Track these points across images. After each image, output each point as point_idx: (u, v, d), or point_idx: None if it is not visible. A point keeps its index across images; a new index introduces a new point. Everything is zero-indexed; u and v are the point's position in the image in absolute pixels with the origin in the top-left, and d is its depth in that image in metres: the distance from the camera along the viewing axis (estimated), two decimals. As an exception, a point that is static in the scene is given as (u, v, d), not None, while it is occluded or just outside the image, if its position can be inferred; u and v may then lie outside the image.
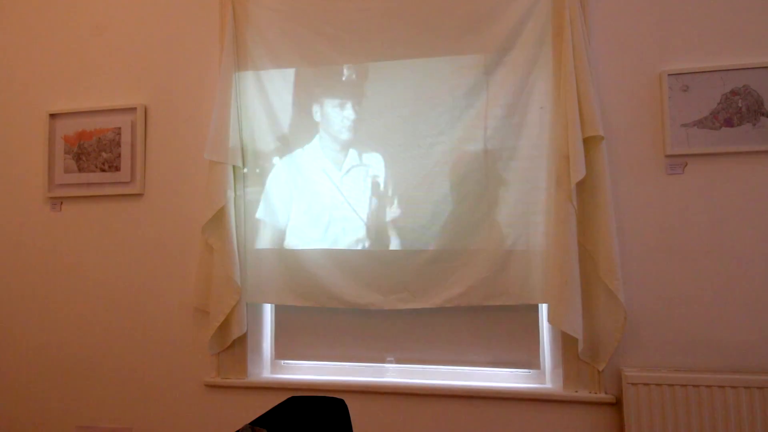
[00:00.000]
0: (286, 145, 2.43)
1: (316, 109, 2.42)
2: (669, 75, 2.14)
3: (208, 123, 2.48)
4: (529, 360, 2.31)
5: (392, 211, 2.32)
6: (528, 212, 2.22)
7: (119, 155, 2.62)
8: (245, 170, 2.46)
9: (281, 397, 2.40)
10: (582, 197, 2.15)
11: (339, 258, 2.36)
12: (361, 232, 2.35)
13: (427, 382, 2.32)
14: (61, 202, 2.71)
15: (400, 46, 2.35)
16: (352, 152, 2.38)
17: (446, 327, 2.36)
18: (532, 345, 2.31)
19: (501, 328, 2.32)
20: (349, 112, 2.39)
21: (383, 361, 2.41)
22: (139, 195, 2.62)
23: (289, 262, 2.40)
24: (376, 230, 2.33)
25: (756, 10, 2.12)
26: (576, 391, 2.17)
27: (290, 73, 2.45)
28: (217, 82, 2.47)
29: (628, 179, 2.18)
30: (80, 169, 2.66)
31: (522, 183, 2.23)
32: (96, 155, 2.64)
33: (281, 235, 2.41)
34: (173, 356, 2.54)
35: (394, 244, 2.31)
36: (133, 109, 2.62)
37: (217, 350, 2.44)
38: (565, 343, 2.19)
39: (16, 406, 2.71)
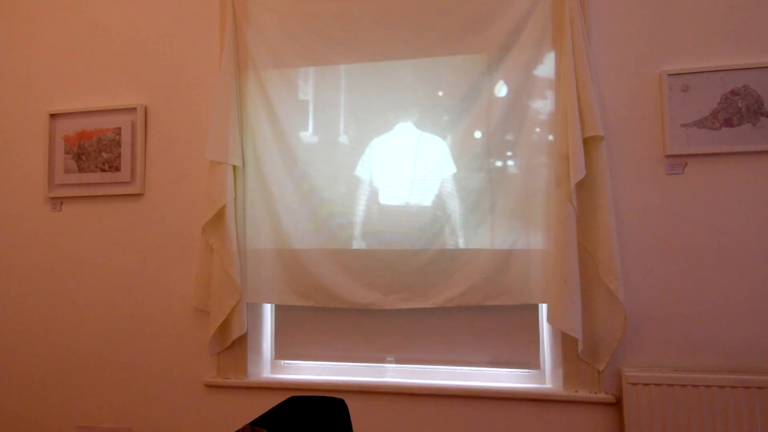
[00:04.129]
0: (286, 144, 2.42)
1: (316, 109, 2.42)
2: (669, 75, 2.14)
3: (208, 123, 2.49)
4: (529, 360, 2.31)
5: (393, 211, 2.32)
6: (528, 212, 2.22)
7: (119, 155, 2.62)
8: (245, 170, 2.46)
9: (281, 397, 2.40)
10: (582, 197, 2.15)
11: (339, 257, 2.36)
12: (362, 232, 2.35)
13: (427, 382, 2.32)
14: (61, 202, 2.71)
15: (400, 46, 2.35)
16: (353, 152, 2.38)
17: (446, 327, 2.36)
18: (532, 345, 2.31)
19: (501, 328, 2.32)
20: (349, 112, 2.39)
21: (383, 361, 2.42)
22: (139, 195, 2.62)
23: (290, 261, 2.40)
24: (377, 230, 2.33)
25: (756, 10, 2.12)
26: (576, 391, 2.17)
27: (290, 72, 2.45)
28: (217, 82, 2.47)
29: (628, 179, 2.18)
30: (80, 169, 2.66)
31: (522, 183, 2.23)
32: (96, 155, 2.64)
33: (281, 235, 2.41)
34: (173, 356, 2.54)
35: (395, 244, 2.31)
36: (133, 109, 2.62)
37: (217, 350, 2.44)
38: (565, 343, 2.19)
39: (16, 406, 2.71)
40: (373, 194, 2.34)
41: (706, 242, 2.12)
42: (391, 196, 2.33)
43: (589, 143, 2.13)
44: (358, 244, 2.35)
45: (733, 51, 2.13)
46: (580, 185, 2.14)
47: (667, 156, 2.15)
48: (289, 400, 1.59)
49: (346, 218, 2.36)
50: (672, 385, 2.01)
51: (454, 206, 2.27)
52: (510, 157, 2.25)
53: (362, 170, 2.36)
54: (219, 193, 2.36)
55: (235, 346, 2.44)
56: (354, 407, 2.33)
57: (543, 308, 2.29)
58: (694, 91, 2.13)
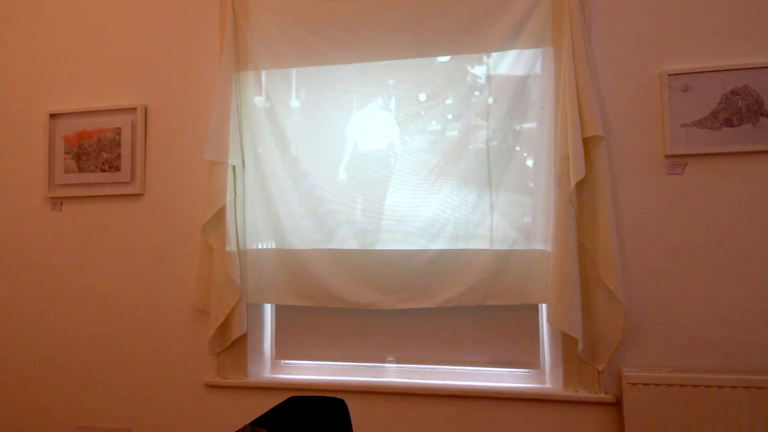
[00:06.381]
0: (286, 144, 2.43)
1: (315, 109, 2.42)
2: (669, 75, 2.14)
3: (208, 123, 2.49)
4: (529, 360, 2.31)
5: (393, 211, 2.32)
6: (528, 212, 2.23)
7: (119, 155, 2.62)
8: (245, 170, 2.46)
9: (281, 397, 2.41)
10: (582, 197, 2.16)
11: (339, 258, 2.36)
12: (362, 232, 2.34)
13: (427, 382, 2.32)
14: (61, 202, 2.71)
15: (400, 46, 2.35)
16: (353, 152, 2.38)
17: (446, 327, 2.37)
18: (532, 345, 2.31)
19: (501, 328, 2.33)
20: (349, 111, 2.39)
21: (383, 361, 2.42)
22: (139, 195, 2.62)
23: (290, 262, 2.40)
24: (377, 230, 2.33)
25: (756, 10, 2.12)
26: (576, 391, 2.17)
27: (290, 72, 2.45)
28: (217, 82, 2.47)
29: (628, 179, 2.18)
30: (80, 169, 2.66)
31: (522, 183, 2.23)
32: (96, 155, 2.64)
33: (281, 235, 2.41)
34: (173, 356, 2.54)
35: (395, 244, 2.31)
36: (133, 109, 2.62)
37: (217, 350, 2.44)
38: (565, 343, 2.19)
39: (16, 406, 2.71)
40: (374, 194, 2.34)
41: (706, 242, 2.12)
42: (392, 196, 2.33)
43: (589, 143, 2.14)
44: (358, 243, 2.35)
45: (733, 51, 2.13)
46: (580, 185, 2.14)
47: (667, 156, 2.15)
48: (289, 400, 1.59)
49: (346, 218, 2.36)
50: (672, 385, 2.02)
51: (455, 206, 2.27)
52: (510, 157, 2.24)
53: (363, 169, 2.36)
54: (219, 193, 2.36)
55: (235, 346, 2.44)
56: (354, 407, 2.34)
57: (543, 308, 2.29)
58: (694, 91, 2.13)
